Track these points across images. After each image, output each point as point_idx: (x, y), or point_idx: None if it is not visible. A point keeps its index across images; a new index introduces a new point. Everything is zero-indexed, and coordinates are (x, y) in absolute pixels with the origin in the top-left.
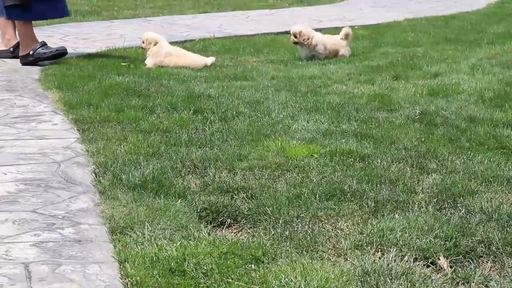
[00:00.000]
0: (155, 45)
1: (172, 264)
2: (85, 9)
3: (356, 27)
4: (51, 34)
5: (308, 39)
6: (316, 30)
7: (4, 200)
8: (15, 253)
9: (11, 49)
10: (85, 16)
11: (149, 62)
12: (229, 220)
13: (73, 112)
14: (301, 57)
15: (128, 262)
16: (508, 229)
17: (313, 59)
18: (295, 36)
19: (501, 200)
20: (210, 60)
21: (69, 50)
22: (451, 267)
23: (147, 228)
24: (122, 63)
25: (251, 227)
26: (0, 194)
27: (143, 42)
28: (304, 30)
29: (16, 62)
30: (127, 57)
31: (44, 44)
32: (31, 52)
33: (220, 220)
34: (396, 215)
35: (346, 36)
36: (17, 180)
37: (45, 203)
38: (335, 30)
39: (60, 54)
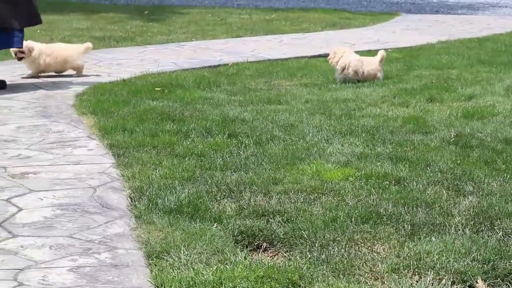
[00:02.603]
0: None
1: None
2: (119, 35)
3: (389, 49)
4: (85, 59)
5: (332, 58)
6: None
7: (40, 225)
8: (52, 278)
9: None
10: (119, 42)
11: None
12: (265, 243)
13: (108, 137)
14: (336, 79)
15: (164, 287)
16: None
17: (346, 82)
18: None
19: None
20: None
21: (103, 76)
22: None
23: (183, 252)
24: (156, 88)
25: (287, 251)
26: (36, 220)
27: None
28: (333, 49)
29: (52, 88)
30: (161, 82)
31: None
32: None
33: (256, 244)
34: (433, 238)
35: (381, 59)
36: (54, 205)
37: (81, 228)
38: (368, 53)
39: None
